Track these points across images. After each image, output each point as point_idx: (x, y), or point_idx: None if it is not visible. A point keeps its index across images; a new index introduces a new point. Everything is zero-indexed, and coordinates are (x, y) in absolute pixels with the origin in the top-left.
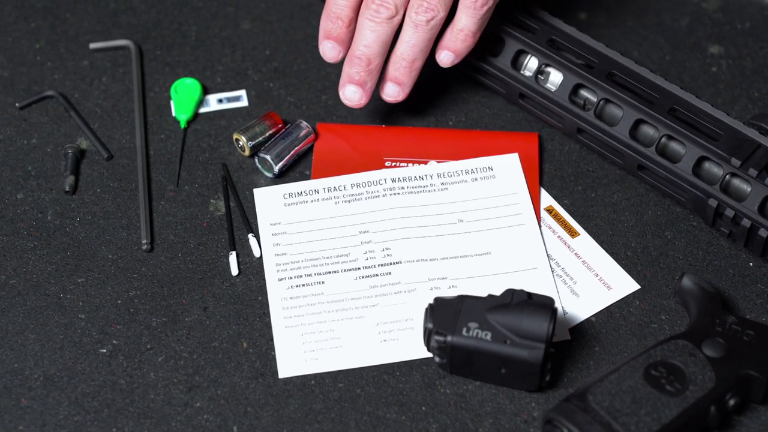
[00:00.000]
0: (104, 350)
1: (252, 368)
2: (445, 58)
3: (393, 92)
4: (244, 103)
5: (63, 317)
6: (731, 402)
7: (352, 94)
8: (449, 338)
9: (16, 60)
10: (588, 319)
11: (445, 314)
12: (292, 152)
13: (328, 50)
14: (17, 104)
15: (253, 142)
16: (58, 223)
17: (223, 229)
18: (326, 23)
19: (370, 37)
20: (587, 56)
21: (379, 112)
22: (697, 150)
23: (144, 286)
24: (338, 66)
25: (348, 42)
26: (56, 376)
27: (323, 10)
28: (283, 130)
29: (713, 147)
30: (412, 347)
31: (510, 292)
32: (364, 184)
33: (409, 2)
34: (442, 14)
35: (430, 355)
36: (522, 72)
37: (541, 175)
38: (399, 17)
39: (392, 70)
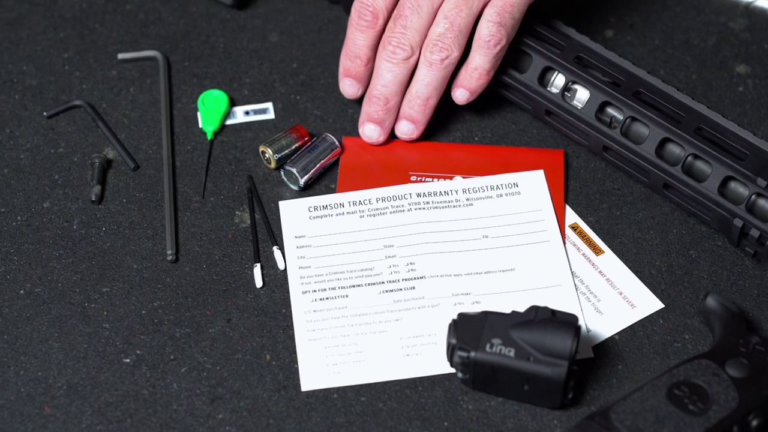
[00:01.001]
0: (128, 360)
1: (275, 380)
2: (460, 95)
3: (407, 130)
4: (270, 115)
5: (87, 326)
6: (754, 423)
7: (371, 132)
8: (472, 354)
9: (45, 69)
10: (611, 337)
11: (468, 330)
12: (317, 165)
13: (348, 87)
14: (45, 113)
15: (280, 155)
16: (83, 232)
17: (248, 241)
18: (345, 61)
19: (387, 77)
20: (614, 74)
21: None
22: (723, 169)
23: (168, 296)
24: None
25: (366, 79)
26: (80, 385)
27: (343, 47)
28: (309, 143)
29: (739, 167)
30: (435, 362)
31: (534, 309)
32: (389, 198)
33: (424, 42)
34: (456, 53)
35: (453, 370)
36: (549, 89)
37: (567, 192)
38: (415, 57)
39: (407, 108)
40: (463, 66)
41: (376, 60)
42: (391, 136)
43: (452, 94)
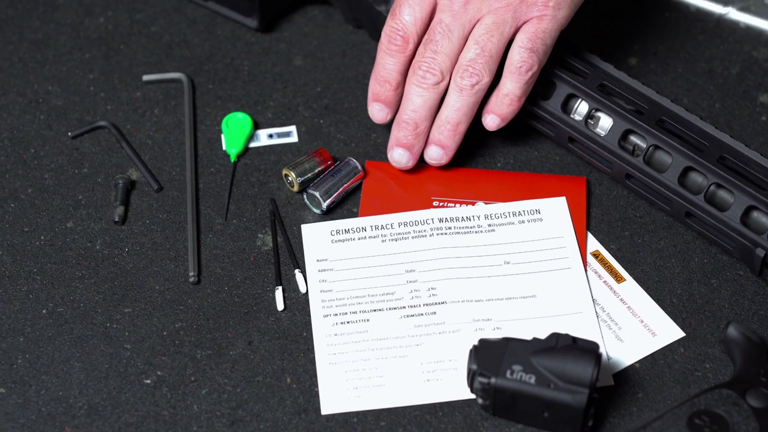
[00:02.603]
0: (148, 381)
1: (295, 404)
2: (491, 122)
3: (437, 155)
4: (294, 138)
5: (109, 347)
6: None
7: (399, 157)
8: (493, 380)
9: (70, 90)
10: (632, 365)
11: (489, 356)
12: (340, 189)
13: (377, 112)
14: (70, 133)
15: (302, 178)
16: (106, 252)
17: (270, 263)
18: (375, 86)
19: (417, 102)
20: (637, 102)
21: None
22: (745, 199)
23: (190, 318)
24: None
25: (396, 104)
26: (100, 406)
27: (373, 72)
28: (332, 167)
29: (762, 196)
30: (456, 388)
31: (555, 336)
32: (411, 223)
33: (454, 68)
34: (486, 79)
35: (473, 396)
36: (572, 116)
37: (589, 220)
38: (445, 83)
39: (436, 133)
40: (494, 92)
41: (405, 85)
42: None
43: (483, 120)
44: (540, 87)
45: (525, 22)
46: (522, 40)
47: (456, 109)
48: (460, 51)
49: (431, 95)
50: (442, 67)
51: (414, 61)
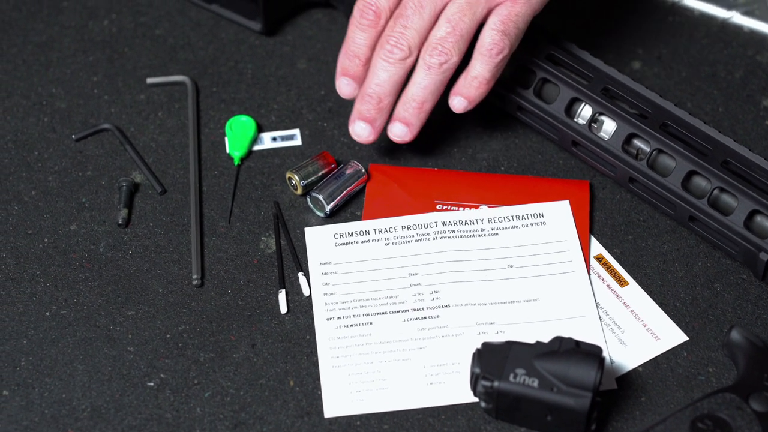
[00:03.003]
0: (152, 384)
1: (298, 407)
2: (458, 104)
3: (401, 132)
4: (297, 142)
5: (112, 349)
6: None
7: (361, 131)
8: (496, 384)
9: (74, 92)
10: (635, 369)
11: (492, 359)
12: (343, 192)
13: (344, 86)
14: (73, 136)
15: (306, 181)
16: (110, 255)
17: (273, 266)
18: (344, 60)
19: (382, 76)
20: (641, 106)
21: (431, 155)
22: (749, 203)
23: (193, 321)
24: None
25: (364, 79)
26: (103, 408)
27: (342, 46)
28: (336, 170)
29: (766, 200)
30: (459, 391)
31: (558, 340)
32: (414, 227)
33: (423, 44)
34: (455, 59)
35: (477, 399)
36: (576, 120)
37: (592, 223)
38: (412, 59)
39: (402, 110)
40: (462, 74)
41: (372, 58)
42: (420, 160)
43: (450, 102)
44: (544, 91)
45: (498, 4)
46: (494, 22)
47: (423, 87)
48: (431, 28)
49: (397, 70)
50: (411, 43)
51: (383, 35)
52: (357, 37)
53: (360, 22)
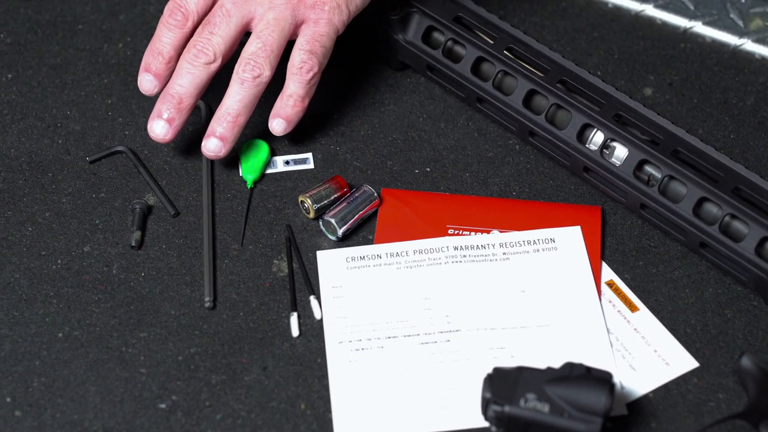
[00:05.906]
0: (163, 405)
1: (309, 430)
2: (278, 126)
3: (215, 148)
4: (310, 165)
5: (124, 371)
6: None
7: (159, 129)
8: (507, 408)
9: (88, 114)
10: (645, 395)
11: (503, 384)
12: (356, 216)
13: (146, 83)
14: (87, 158)
15: (318, 205)
16: (122, 277)
17: (286, 289)
18: (148, 57)
19: (186, 78)
20: (653, 132)
21: (443, 180)
22: (760, 230)
23: (205, 343)
24: (404, 132)
25: (165, 78)
26: (115, 430)
27: (149, 43)
28: (348, 194)
29: None
30: (470, 416)
31: (569, 366)
32: (426, 251)
33: (228, 52)
34: (268, 72)
35: (487, 424)
36: (587, 146)
37: (603, 249)
38: (217, 65)
39: (216, 125)
40: (279, 96)
41: (179, 60)
42: (432, 185)
43: (270, 125)
44: (556, 117)
45: (303, 22)
46: (301, 43)
47: (237, 101)
48: (237, 36)
49: (200, 74)
50: (216, 49)
51: (191, 39)
52: (163, 35)
53: (168, 21)
